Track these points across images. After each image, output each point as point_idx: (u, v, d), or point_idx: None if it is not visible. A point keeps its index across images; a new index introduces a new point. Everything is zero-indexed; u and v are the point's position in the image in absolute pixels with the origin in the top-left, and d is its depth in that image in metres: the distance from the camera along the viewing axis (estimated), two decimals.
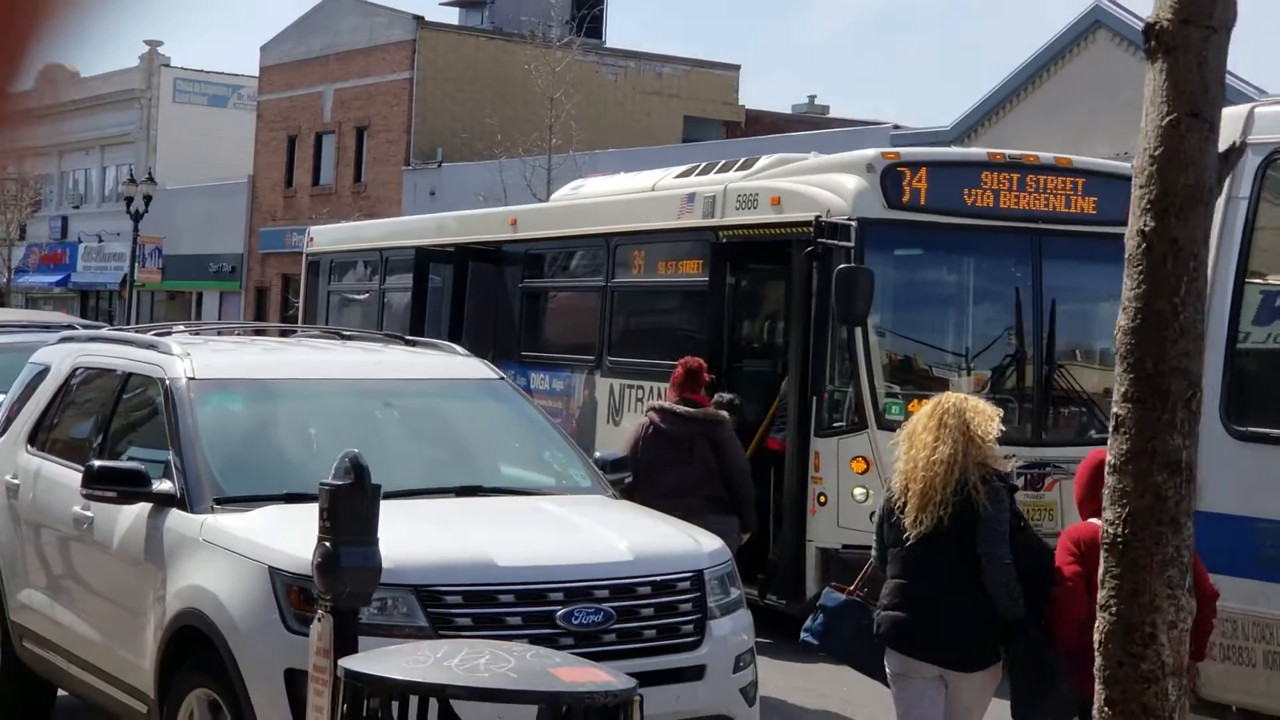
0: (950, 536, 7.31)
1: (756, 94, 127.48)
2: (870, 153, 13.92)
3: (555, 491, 9.43)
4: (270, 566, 7.83)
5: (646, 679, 7.98)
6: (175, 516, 8.54)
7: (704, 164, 16.76)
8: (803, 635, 8.30)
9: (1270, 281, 9.20)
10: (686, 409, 11.83)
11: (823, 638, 8.17)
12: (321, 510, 6.69)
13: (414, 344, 10.94)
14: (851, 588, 8.19)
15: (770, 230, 14.36)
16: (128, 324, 49.63)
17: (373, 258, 22.00)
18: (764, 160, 15.63)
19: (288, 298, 51.40)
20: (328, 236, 24.06)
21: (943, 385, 13.84)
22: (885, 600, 7.58)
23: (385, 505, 8.47)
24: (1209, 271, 9.19)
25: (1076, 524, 7.72)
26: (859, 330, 13.23)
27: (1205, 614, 7.10)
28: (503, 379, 10.28)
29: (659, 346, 16.27)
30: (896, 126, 36.74)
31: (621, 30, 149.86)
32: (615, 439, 14.53)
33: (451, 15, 55.42)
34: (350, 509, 6.52)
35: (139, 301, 56.58)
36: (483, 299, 18.97)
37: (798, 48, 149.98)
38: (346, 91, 52.03)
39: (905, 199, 13.51)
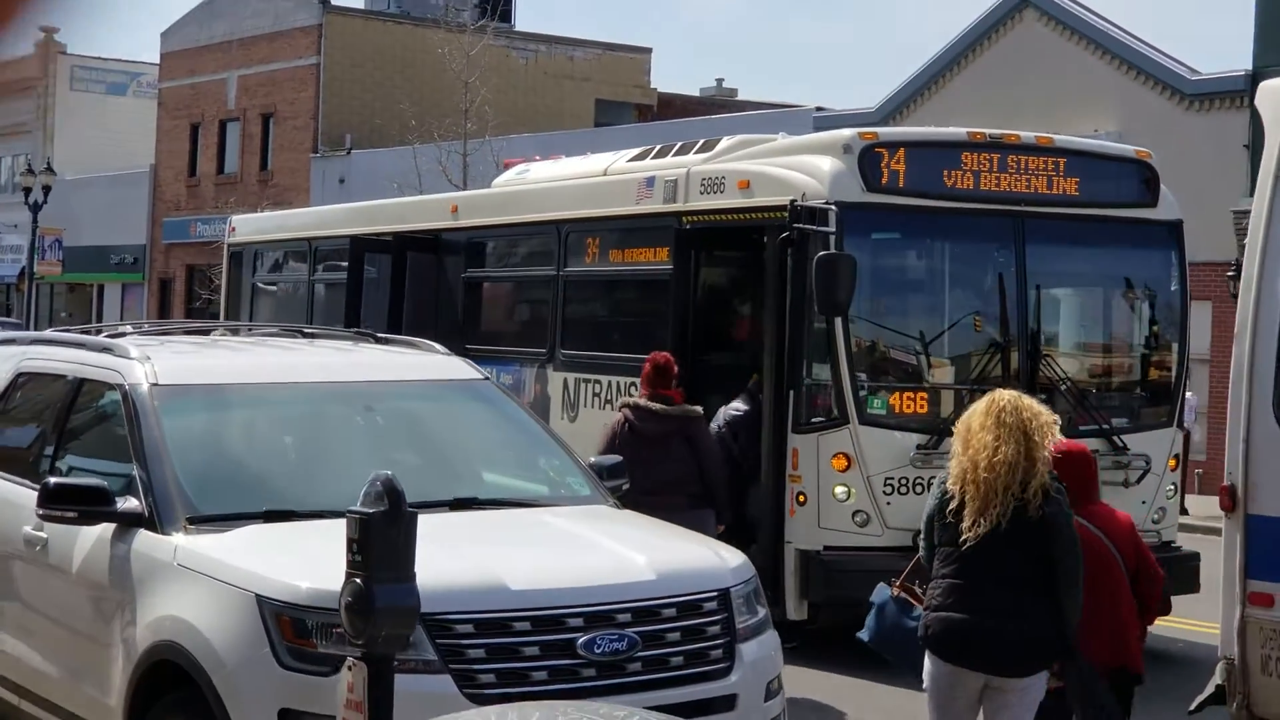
0: (1010, 539, 7.14)
1: (663, 78, 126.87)
2: (846, 133, 13.27)
3: (555, 502, 8.72)
4: (258, 594, 7.10)
5: (675, 713, 7.31)
6: (144, 538, 7.77)
7: (659, 146, 16.04)
8: (860, 634, 8.04)
9: None
10: (662, 406, 11.47)
11: (872, 632, 7.93)
12: (350, 542, 5.93)
13: (387, 341, 10.15)
14: (898, 583, 7.89)
15: (739, 215, 13.68)
16: (24, 318, 48.37)
17: (301, 247, 21.11)
18: (726, 142, 14.94)
19: (193, 289, 50.30)
20: (251, 226, 23.14)
21: (922, 377, 13.26)
22: (935, 600, 7.32)
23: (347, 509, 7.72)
24: (1258, 251, 8.65)
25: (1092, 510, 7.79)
26: (838, 320, 12.58)
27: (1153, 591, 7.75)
28: (487, 379, 9.54)
29: (617, 338, 15.57)
30: (819, 108, 36.22)
31: (529, 14, 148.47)
32: (570, 435, 13.80)
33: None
34: (385, 540, 5.78)
35: (38, 294, 55.16)
36: (423, 290, 18.17)
37: (699, 31, 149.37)
38: (251, 78, 50.99)
39: (884, 181, 12.87)
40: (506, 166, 20.42)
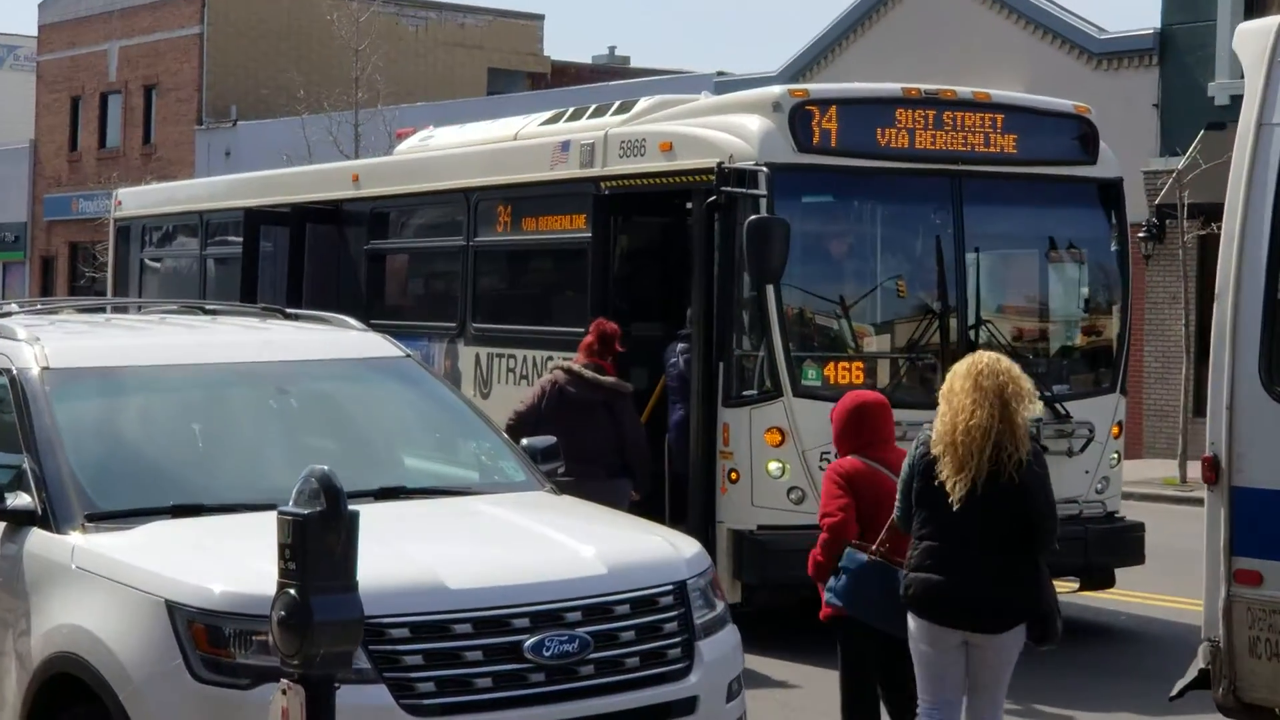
0: (987, 501, 7.24)
1: (556, 45, 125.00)
2: (775, 90, 12.61)
3: (489, 489, 8.04)
4: (168, 600, 6.41)
5: (632, 719, 6.69)
6: (38, 538, 7.06)
7: (572, 109, 15.31)
8: (827, 597, 8.11)
9: None
10: (595, 375, 11.53)
11: (847, 598, 7.97)
12: (282, 547, 5.21)
13: (298, 318, 9.37)
14: (874, 547, 7.93)
15: (662, 179, 12.99)
16: None
17: (192, 221, 20.19)
18: (644, 103, 14.25)
19: (77, 267, 48.99)
20: (139, 200, 22.19)
21: (858, 346, 12.66)
22: (915, 561, 7.44)
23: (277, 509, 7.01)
24: (1240, 206, 8.09)
25: (840, 460, 8.27)
26: (770, 288, 11.93)
27: None
28: (409, 356, 8.82)
29: (533, 310, 14.87)
30: (720, 73, 35.57)
31: None
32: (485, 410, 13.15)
33: None
34: (323, 544, 5.06)
35: None
36: (323, 263, 17.36)
37: None
38: (133, 49, 49.70)
39: (815, 141, 12.23)
40: (399, 137, 19.71)
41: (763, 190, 11.88)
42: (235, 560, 6.61)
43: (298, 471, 7.68)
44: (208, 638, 6.29)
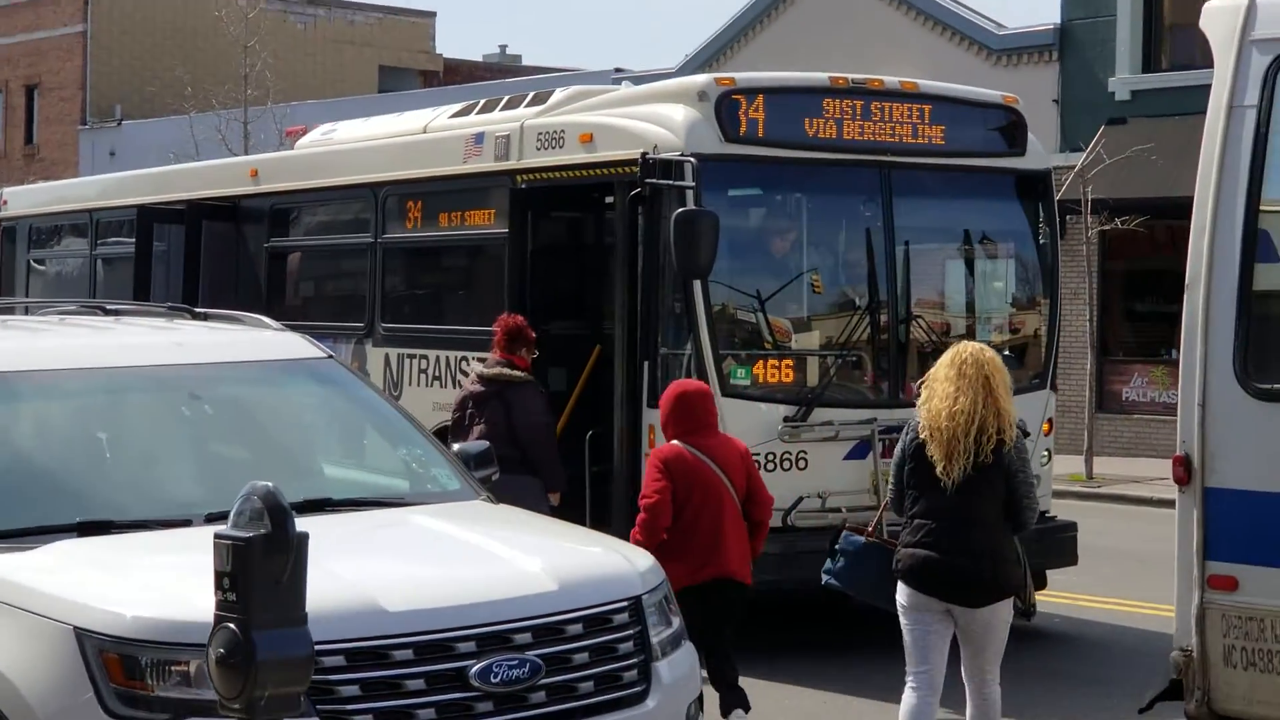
0: (972, 482, 7.70)
1: (447, 44, 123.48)
2: (700, 79, 12.14)
3: (422, 499, 7.50)
4: (77, 628, 5.83)
5: None
6: None
7: (484, 101, 14.74)
8: (824, 578, 8.94)
9: None
10: (485, 370, 11.49)
11: (845, 578, 8.75)
12: (220, 576, 4.64)
13: (208, 317, 8.75)
14: (870, 529, 8.73)
15: (582, 172, 12.49)
16: None
17: (81, 220, 19.44)
18: (560, 93, 13.71)
19: None
20: (25, 199, 21.38)
21: (787, 344, 12.22)
22: (906, 537, 7.95)
23: (213, 533, 6.45)
24: (1210, 198, 7.71)
25: (662, 446, 9.04)
26: (697, 284, 11.46)
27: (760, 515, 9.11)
28: (330, 357, 8.26)
29: (447, 309, 14.32)
30: (618, 69, 35.17)
31: None
32: None
33: None
34: (267, 572, 4.49)
35: None
36: (221, 262, 16.69)
37: None
38: (14, 47, 48.61)
39: (743, 131, 11.76)
40: (289, 135, 19.07)
41: (689, 181, 11.40)
42: (151, 583, 6.06)
43: (213, 484, 7.18)
44: (122, 669, 5.73)
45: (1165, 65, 26.97)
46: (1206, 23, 7.68)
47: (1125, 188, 24.25)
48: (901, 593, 7.95)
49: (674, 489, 8.72)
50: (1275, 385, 7.32)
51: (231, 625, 4.58)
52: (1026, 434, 8.12)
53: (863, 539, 8.68)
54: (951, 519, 7.74)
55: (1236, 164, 7.39)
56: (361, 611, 5.88)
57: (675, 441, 8.93)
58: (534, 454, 11.23)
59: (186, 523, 6.72)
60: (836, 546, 8.85)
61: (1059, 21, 27.99)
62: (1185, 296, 7.55)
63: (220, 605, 4.67)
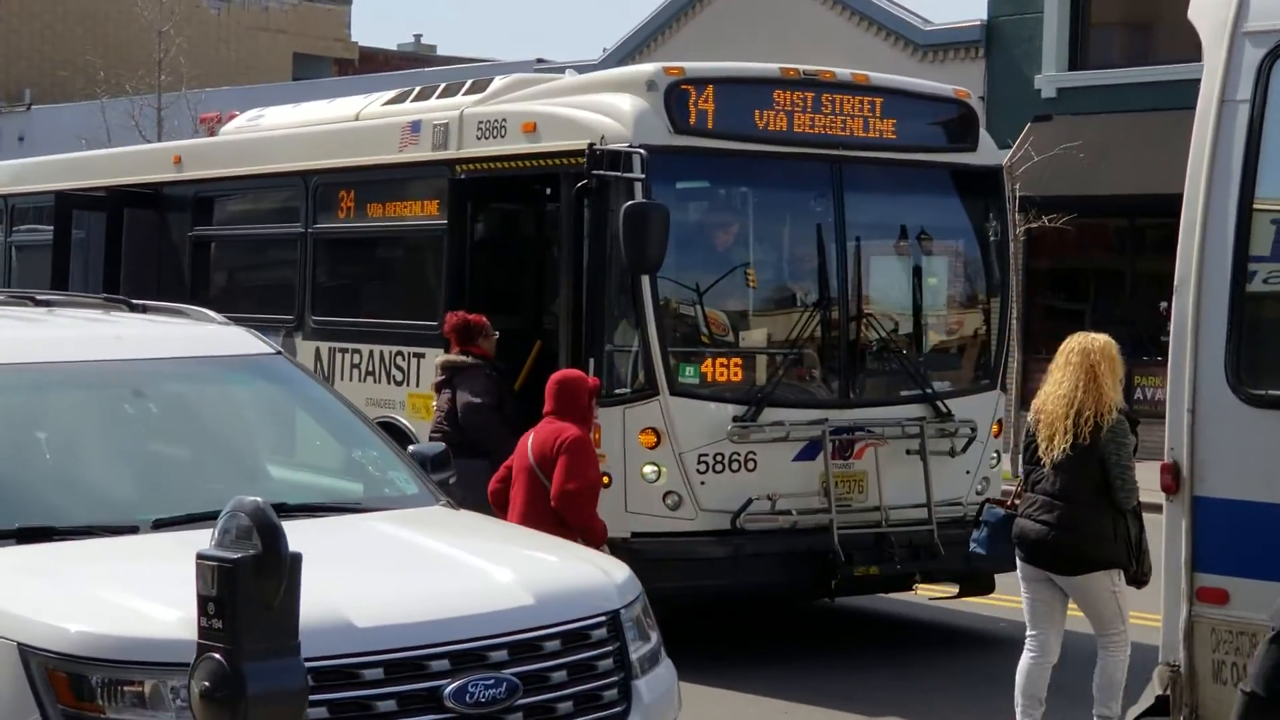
0: (1069, 461, 8.45)
1: (361, 32, 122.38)
2: (649, 68, 11.79)
3: (380, 505, 7.11)
4: (20, 644, 5.44)
5: None
6: None
7: (419, 88, 14.31)
8: (972, 546, 9.60)
9: None
10: (440, 358, 11.81)
11: (989, 546, 9.39)
12: (204, 601, 4.24)
13: (147, 310, 8.29)
14: (1009, 503, 9.22)
15: (525, 162, 12.11)
16: None
17: None
18: (499, 81, 13.31)
19: None
20: None
21: (737, 341, 11.91)
22: (1021, 509, 8.85)
23: (163, 541, 6.09)
24: (1200, 196, 7.46)
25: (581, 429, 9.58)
26: (645, 279, 11.12)
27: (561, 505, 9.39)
28: (279, 353, 7.85)
29: (381, 302, 13.91)
30: (540, 60, 34.74)
31: None
32: None
33: None
34: (256, 598, 4.09)
35: None
36: (143, 251, 16.16)
37: None
38: None
39: (692, 122, 11.43)
40: (203, 122, 18.57)
41: (638, 173, 11.06)
42: (99, 595, 5.66)
43: (159, 487, 6.77)
44: (70, 688, 5.32)
45: (1092, 63, 26.91)
46: (1195, 14, 7.41)
47: (1051, 185, 24.14)
48: (1018, 560, 8.86)
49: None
50: (1269, 391, 7.08)
51: (217, 655, 4.17)
52: (1136, 421, 8.70)
53: (1003, 511, 9.30)
54: (1050, 494, 8.54)
55: (1228, 160, 7.13)
56: (328, 627, 5.49)
57: (558, 420, 9.58)
58: (473, 435, 11.25)
59: (133, 529, 6.32)
60: (981, 518, 9.56)
61: (985, 18, 27.86)
62: (1174, 297, 7.30)
63: (204, 633, 4.26)
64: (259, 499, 4.41)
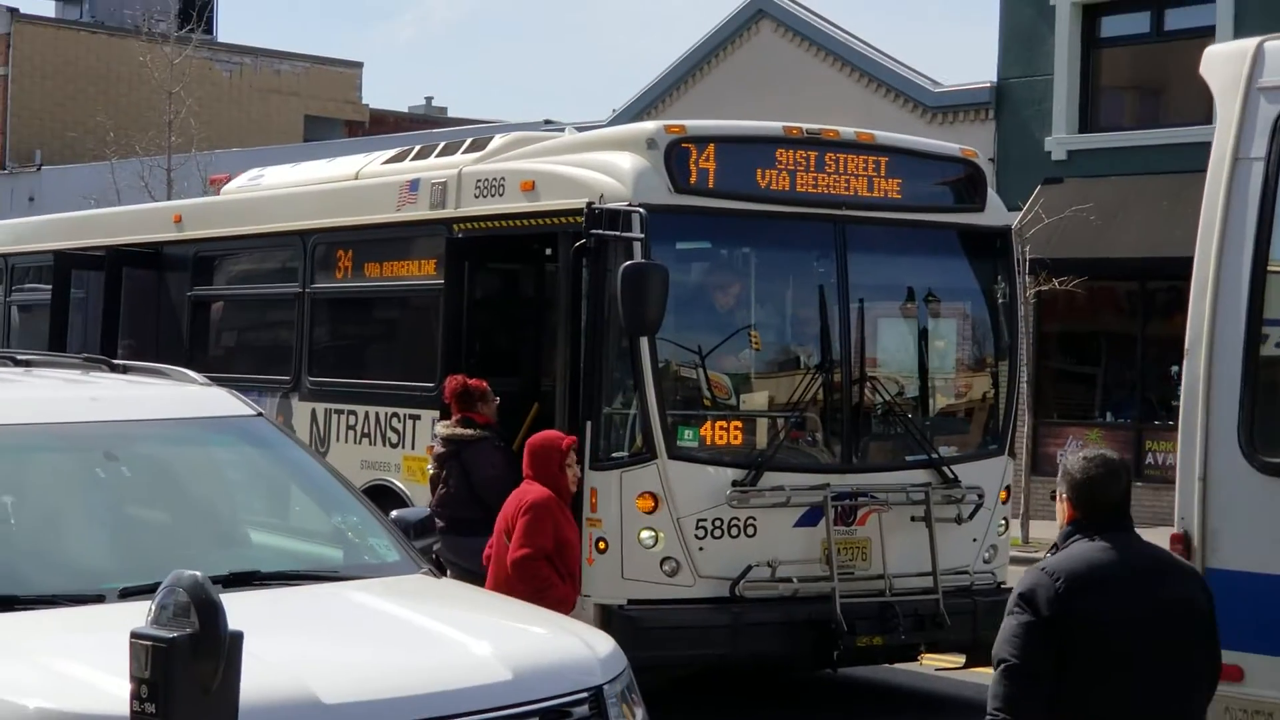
0: None
1: (372, 95, 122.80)
2: (650, 126, 11.59)
3: (358, 573, 6.86)
4: None
5: None
6: None
7: (419, 147, 14.18)
8: None
9: None
10: (443, 429, 11.47)
11: None
12: (138, 684, 3.98)
13: (128, 370, 8.09)
14: None
15: (523, 221, 11.91)
16: None
17: None
18: (499, 140, 13.15)
19: None
20: None
21: (737, 404, 11.67)
22: None
23: (127, 611, 5.81)
24: (1212, 256, 7.23)
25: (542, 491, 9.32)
26: (644, 340, 10.90)
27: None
28: (260, 415, 7.62)
29: (378, 363, 13.70)
30: (548, 121, 34.73)
31: (232, 26, 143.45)
32: None
33: (48, 8, 51.36)
34: (193, 680, 3.84)
35: None
36: (142, 311, 16.03)
37: (406, 49, 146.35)
38: None
39: (693, 181, 11.23)
40: (213, 183, 18.45)
41: (638, 233, 10.85)
42: (60, 669, 5.40)
43: (129, 554, 6.53)
44: None
45: (1102, 125, 26.77)
46: (1207, 70, 7.20)
47: (1061, 248, 23.95)
48: None
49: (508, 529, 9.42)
50: None
51: None
52: None
53: None
54: None
55: (1242, 220, 6.91)
56: (294, 704, 5.24)
57: (536, 484, 9.46)
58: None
59: (99, 598, 6.08)
60: None
61: (995, 80, 27.73)
62: (1185, 361, 7.07)
63: (136, 717, 4.01)
64: (198, 573, 4.15)
